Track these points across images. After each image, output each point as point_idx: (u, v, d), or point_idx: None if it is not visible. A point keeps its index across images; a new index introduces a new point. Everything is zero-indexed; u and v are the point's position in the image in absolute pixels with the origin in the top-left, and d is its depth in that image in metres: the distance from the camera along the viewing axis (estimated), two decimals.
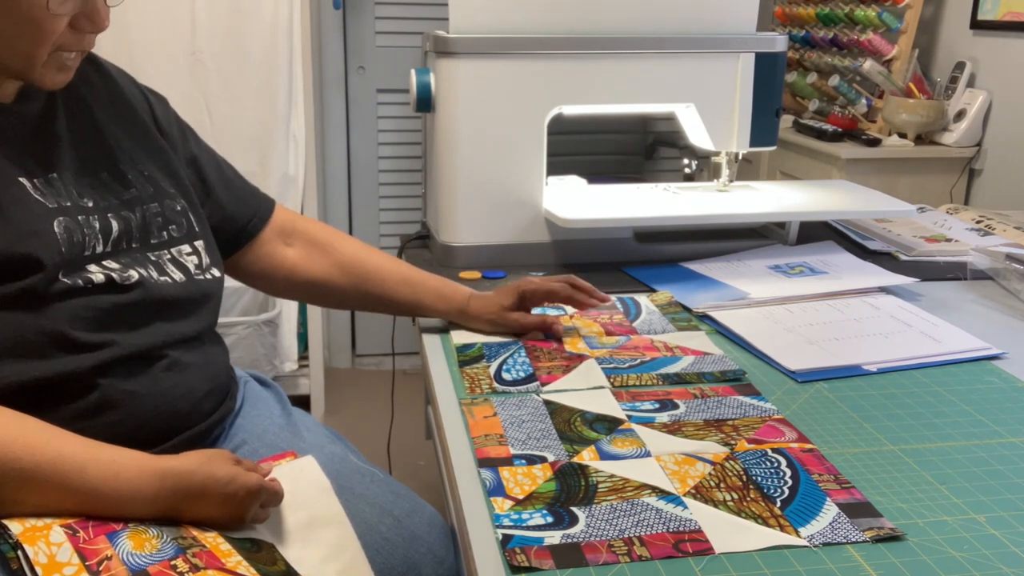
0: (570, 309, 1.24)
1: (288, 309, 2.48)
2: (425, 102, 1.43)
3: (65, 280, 0.87)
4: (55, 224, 0.88)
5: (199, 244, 1.03)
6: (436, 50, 1.40)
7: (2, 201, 0.85)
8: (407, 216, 2.98)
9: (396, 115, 2.94)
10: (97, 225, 0.92)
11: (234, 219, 1.14)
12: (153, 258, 0.97)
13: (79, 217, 0.91)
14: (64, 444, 0.78)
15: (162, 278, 0.96)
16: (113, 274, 0.91)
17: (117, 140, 1.00)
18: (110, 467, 0.78)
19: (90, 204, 0.93)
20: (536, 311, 1.19)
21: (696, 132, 1.54)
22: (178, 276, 0.98)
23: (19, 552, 0.72)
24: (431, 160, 1.55)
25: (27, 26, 0.83)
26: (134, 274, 0.93)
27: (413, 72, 1.43)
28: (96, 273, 0.90)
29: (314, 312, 2.58)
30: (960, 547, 0.74)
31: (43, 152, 0.92)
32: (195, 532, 0.81)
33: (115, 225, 0.94)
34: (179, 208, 1.02)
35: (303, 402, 2.55)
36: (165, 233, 0.99)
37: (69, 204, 0.91)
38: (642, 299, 1.31)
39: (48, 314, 0.85)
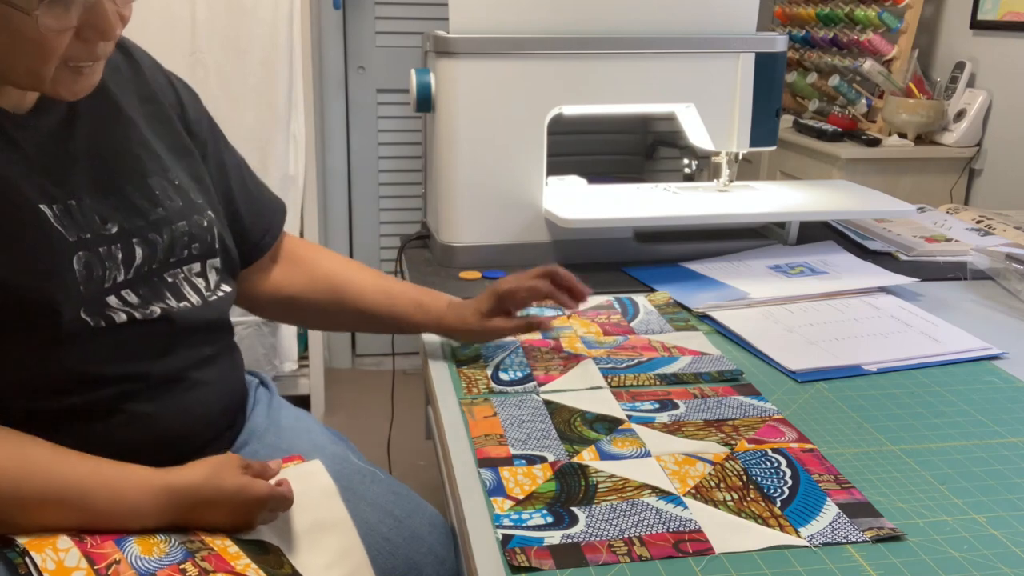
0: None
1: None
2: (425, 102, 1.43)
3: (86, 318, 0.82)
4: (75, 260, 0.82)
5: (214, 262, 0.98)
6: (436, 50, 1.40)
7: (22, 232, 0.80)
8: (407, 216, 2.99)
9: (396, 115, 2.94)
10: (120, 255, 0.87)
11: (248, 234, 1.09)
12: (169, 280, 0.92)
13: (100, 249, 0.85)
14: (67, 469, 0.77)
15: (181, 304, 0.92)
16: (135, 312, 0.87)
17: (145, 144, 0.94)
18: (114, 489, 0.78)
19: (114, 230, 0.87)
20: (533, 311, 1.18)
21: (696, 132, 1.54)
22: (195, 299, 0.94)
23: (26, 559, 0.71)
24: (431, 160, 1.54)
25: (27, 44, 0.76)
26: (156, 309, 0.88)
27: (413, 72, 1.43)
28: (118, 312, 0.85)
29: None
30: (960, 547, 0.74)
31: (64, 169, 0.86)
32: (203, 535, 0.81)
33: (139, 252, 0.89)
34: (206, 224, 0.97)
35: (303, 402, 2.55)
36: (186, 251, 0.94)
37: (90, 236, 0.84)
38: (640, 299, 1.31)
39: (69, 353, 0.82)
